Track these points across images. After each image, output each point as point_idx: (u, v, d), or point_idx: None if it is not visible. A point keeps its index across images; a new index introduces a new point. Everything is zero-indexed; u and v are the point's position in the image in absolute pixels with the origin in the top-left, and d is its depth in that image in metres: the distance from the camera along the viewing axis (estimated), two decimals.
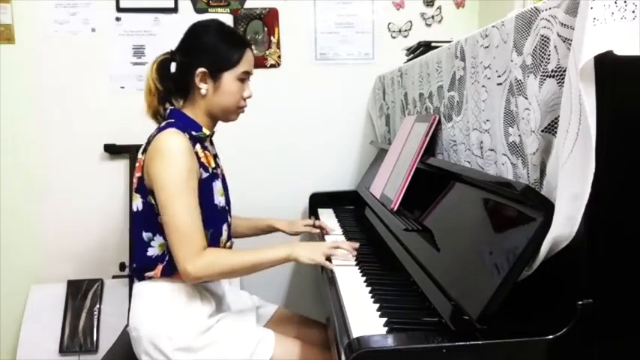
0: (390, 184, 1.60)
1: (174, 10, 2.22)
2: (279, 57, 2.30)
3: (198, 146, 1.34)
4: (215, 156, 1.48)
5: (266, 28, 2.28)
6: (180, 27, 1.44)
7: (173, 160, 1.24)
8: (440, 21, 2.35)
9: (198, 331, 1.28)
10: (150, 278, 1.32)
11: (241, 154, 2.29)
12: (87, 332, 2.11)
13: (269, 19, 2.27)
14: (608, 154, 0.77)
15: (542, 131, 0.87)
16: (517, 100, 0.96)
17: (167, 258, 1.31)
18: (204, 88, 1.34)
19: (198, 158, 1.32)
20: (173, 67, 1.39)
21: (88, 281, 2.21)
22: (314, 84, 2.32)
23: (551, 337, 0.80)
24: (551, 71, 0.84)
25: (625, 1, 0.71)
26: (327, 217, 2.00)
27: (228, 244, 1.45)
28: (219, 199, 1.37)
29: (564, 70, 0.80)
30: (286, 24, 2.29)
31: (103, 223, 2.23)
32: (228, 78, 1.35)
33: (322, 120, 2.34)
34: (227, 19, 2.23)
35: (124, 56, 2.21)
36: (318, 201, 2.21)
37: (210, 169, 1.36)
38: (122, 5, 2.20)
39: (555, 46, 0.82)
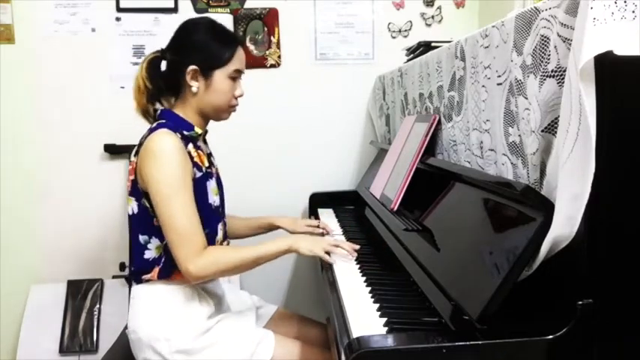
0: (390, 184, 1.60)
1: (174, 10, 2.22)
2: (279, 57, 2.30)
3: (190, 146, 1.33)
4: (209, 155, 1.47)
5: (266, 28, 2.28)
6: None
7: (166, 161, 1.23)
8: (440, 21, 2.35)
9: (197, 333, 1.27)
10: (147, 281, 1.32)
11: (241, 154, 2.29)
12: (87, 332, 2.11)
13: (269, 19, 2.27)
14: (608, 154, 0.77)
15: (542, 131, 0.87)
16: (517, 100, 0.96)
17: (164, 260, 1.31)
18: (195, 86, 1.33)
19: (191, 158, 1.31)
20: (164, 65, 1.38)
21: (88, 281, 2.21)
22: (314, 84, 2.32)
23: (551, 337, 0.79)
24: (551, 71, 0.84)
25: (625, 1, 0.71)
26: (327, 217, 2.00)
27: (225, 243, 1.45)
28: (213, 199, 1.36)
29: (564, 70, 0.80)
30: (286, 24, 2.29)
31: (103, 223, 2.23)
32: (220, 76, 1.34)
33: (322, 120, 2.34)
34: (227, 19, 2.24)
35: (124, 56, 2.21)
36: (318, 201, 2.21)
37: (203, 169, 1.35)
38: (122, 5, 2.20)
39: (555, 46, 0.82)
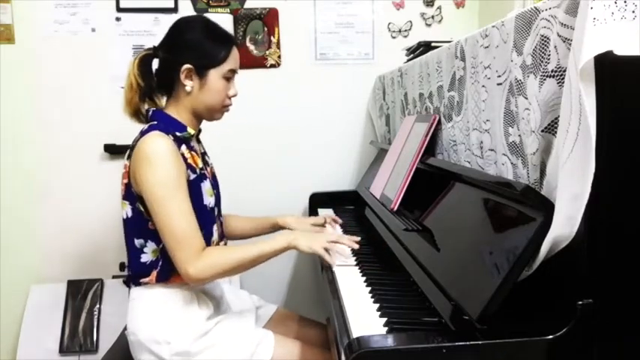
0: (390, 184, 1.60)
1: (174, 10, 2.22)
2: (279, 57, 2.30)
3: (183, 147, 1.31)
4: (203, 154, 1.46)
5: (266, 28, 2.28)
6: None
7: (160, 164, 1.22)
8: (440, 21, 2.35)
9: (196, 336, 1.27)
10: (146, 284, 1.31)
11: (241, 154, 2.29)
12: (87, 332, 2.11)
13: (269, 19, 2.27)
14: (608, 154, 0.77)
15: (542, 131, 0.87)
16: (517, 100, 0.96)
17: (161, 263, 1.30)
18: (189, 85, 1.32)
19: (185, 159, 1.29)
20: (155, 63, 1.37)
21: (88, 281, 2.21)
22: (314, 84, 2.32)
23: (551, 337, 0.79)
24: (551, 71, 0.84)
25: (625, 1, 0.71)
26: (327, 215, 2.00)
27: (222, 243, 1.44)
28: (208, 200, 1.35)
29: (564, 70, 0.80)
30: (286, 24, 2.29)
31: (103, 223, 2.23)
32: (214, 75, 1.33)
33: (322, 120, 2.34)
34: (227, 19, 2.24)
35: (124, 56, 2.20)
36: (318, 201, 2.21)
37: (197, 170, 1.33)
38: (122, 5, 2.20)
39: (555, 46, 0.82)
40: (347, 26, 2.32)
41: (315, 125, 2.34)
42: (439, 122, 1.44)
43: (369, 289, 1.18)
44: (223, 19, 2.20)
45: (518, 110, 0.96)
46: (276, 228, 1.72)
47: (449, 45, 1.35)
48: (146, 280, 1.30)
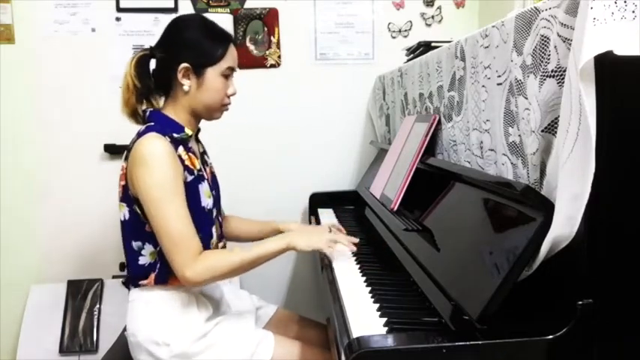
0: (390, 184, 1.60)
1: (174, 10, 2.22)
2: (279, 57, 2.30)
3: (181, 148, 1.29)
4: (202, 154, 1.45)
5: (266, 28, 2.28)
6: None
7: (156, 166, 1.20)
8: (440, 21, 2.35)
9: (195, 337, 1.27)
10: (144, 286, 1.31)
11: (241, 154, 2.29)
12: (87, 332, 2.11)
13: (269, 19, 2.27)
14: (608, 154, 0.77)
15: (542, 131, 0.87)
16: (517, 100, 0.96)
17: (159, 266, 1.29)
18: (186, 84, 1.30)
19: (182, 161, 1.28)
20: (153, 63, 1.35)
21: (88, 281, 2.21)
22: (314, 84, 2.32)
23: (551, 337, 0.79)
24: (551, 71, 0.84)
25: (625, 1, 0.71)
26: (327, 217, 2.00)
27: (220, 244, 1.43)
28: (206, 202, 1.33)
29: (564, 70, 0.80)
30: (286, 24, 2.29)
31: (103, 223, 2.23)
32: (212, 74, 1.31)
33: (322, 120, 2.34)
34: (227, 19, 2.24)
35: (124, 56, 2.19)
36: (318, 201, 2.21)
37: (195, 172, 1.32)
38: (122, 5, 2.20)
39: (555, 46, 0.82)
40: (347, 26, 2.32)
41: (315, 125, 2.34)
42: (439, 122, 1.44)
43: (369, 289, 1.18)
44: (223, 19, 2.20)
45: (518, 110, 0.96)
46: (278, 234, 1.70)
47: (449, 45, 1.35)
48: (145, 282, 1.30)
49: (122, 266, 2.21)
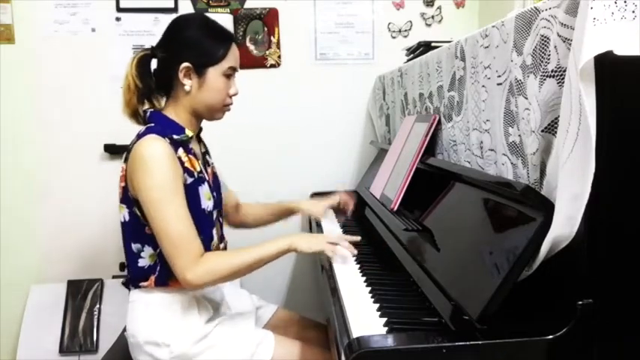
0: (390, 184, 1.60)
1: (174, 10, 2.22)
2: (279, 57, 2.30)
3: (180, 150, 1.28)
4: (204, 154, 1.44)
5: (266, 28, 2.28)
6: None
7: (156, 168, 1.19)
8: (440, 21, 2.35)
9: (195, 339, 1.26)
10: (145, 287, 1.30)
11: (241, 154, 2.29)
12: (87, 332, 2.11)
13: (269, 19, 2.27)
14: (608, 154, 0.77)
15: (542, 131, 0.87)
16: (517, 100, 0.96)
17: (159, 268, 1.29)
18: (188, 84, 1.29)
19: (182, 163, 1.26)
20: (154, 63, 1.34)
21: (88, 281, 2.21)
22: (314, 84, 2.32)
23: (551, 337, 0.80)
24: (551, 71, 0.84)
25: (625, 1, 0.71)
26: (327, 217, 2.00)
27: (221, 245, 1.43)
28: (206, 204, 1.32)
29: (564, 70, 0.80)
30: (286, 24, 2.29)
31: (103, 223, 2.23)
32: (214, 74, 1.30)
33: (322, 120, 2.34)
34: (227, 19, 2.24)
35: (124, 56, 2.19)
36: None
37: (195, 174, 1.30)
38: (122, 5, 2.20)
39: (555, 46, 0.82)
40: (347, 26, 2.32)
41: (315, 125, 2.34)
42: (439, 122, 1.44)
43: (369, 289, 1.18)
44: (223, 19, 2.20)
45: (518, 110, 0.96)
46: (292, 213, 1.72)
47: (449, 45, 1.35)
48: (145, 284, 1.29)
49: (122, 266, 2.21)
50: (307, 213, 1.74)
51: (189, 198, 1.26)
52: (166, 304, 1.29)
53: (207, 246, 1.31)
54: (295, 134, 2.33)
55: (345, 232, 1.77)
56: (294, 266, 2.40)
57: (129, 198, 1.28)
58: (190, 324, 1.29)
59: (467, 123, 1.24)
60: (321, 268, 1.40)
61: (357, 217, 1.96)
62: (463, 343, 0.82)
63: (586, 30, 0.69)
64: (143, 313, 1.30)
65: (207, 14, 2.14)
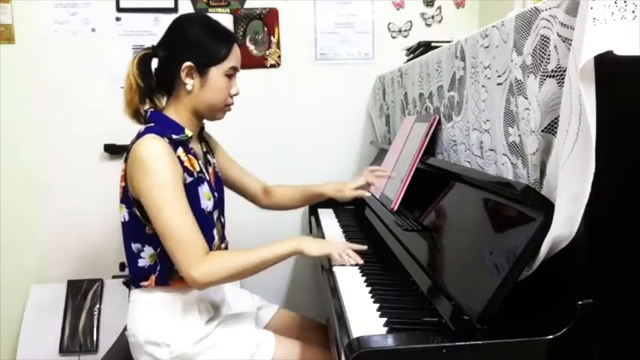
0: (390, 184, 1.60)
1: (174, 10, 2.22)
2: (279, 57, 2.30)
3: (180, 150, 1.28)
4: (206, 153, 1.44)
5: (266, 28, 2.28)
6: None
7: (155, 167, 1.19)
8: (440, 21, 2.35)
9: (196, 339, 1.26)
10: (145, 287, 1.30)
11: (241, 154, 2.26)
12: (87, 332, 2.11)
13: (269, 19, 2.27)
14: (608, 154, 0.77)
15: (542, 131, 0.87)
16: (517, 100, 0.96)
17: (159, 268, 1.29)
18: (190, 83, 1.28)
19: (181, 163, 1.26)
20: (155, 62, 1.34)
21: (88, 281, 2.21)
22: (314, 84, 2.32)
23: (551, 337, 0.79)
24: (551, 71, 0.84)
25: (625, 1, 0.71)
26: (327, 217, 2.00)
27: (222, 245, 1.43)
28: (206, 204, 1.32)
29: (564, 70, 0.80)
30: (286, 24, 2.29)
31: (103, 223, 2.23)
32: (216, 73, 1.30)
33: (322, 120, 2.34)
34: (227, 19, 2.24)
35: (124, 56, 2.20)
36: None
37: (195, 173, 1.30)
38: (122, 5, 2.20)
39: (555, 46, 0.82)
40: (347, 26, 2.32)
41: (315, 125, 2.34)
42: (439, 122, 1.44)
43: (369, 289, 1.18)
44: (223, 19, 2.20)
45: (518, 110, 0.96)
46: (319, 197, 1.69)
47: (449, 45, 1.35)
48: (145, 283, 1.29)
49: (122, 266, 2.21)
50: (333, 196, 1.69)
51: (189, 198, 1.25)
52: (167, 303, 1.29)
53: (209, 247, 1.30)
54: (295, 134, 2.33)
55: (345, 232, 1.78)
56: (294, 266, 2.40)
57: (129, 198, 1.27)
58: (191, 324, 1.28)
59: (467, 123, 1.24)
60: (321, 268, 1.40)
61: (357, 217, 1.96)
62: (463, 343, 0.82)
63: (586, 30, 0.69)
64: (144, 313, 1.30)
65: (208, 14, 2.17)
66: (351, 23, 2.32)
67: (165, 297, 1.29)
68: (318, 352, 1.40)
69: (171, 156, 1.22)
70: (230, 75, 1.33)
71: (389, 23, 2.34)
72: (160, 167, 1.19)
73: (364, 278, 1.26)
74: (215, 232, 1.36)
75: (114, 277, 2.23)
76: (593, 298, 0.80)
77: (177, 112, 1.33)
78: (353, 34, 2.32)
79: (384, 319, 1.00)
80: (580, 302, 0.80)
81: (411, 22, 2.34)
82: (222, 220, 1.45)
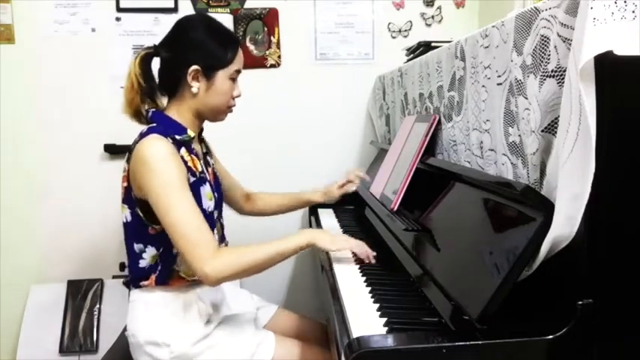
0: (390, 184, 1.60)
1: (174, 10, 2.22)
2: (279, 57, 2.30)
3: (183, 150, 1.28)
4: (206, 154, 1.44)
5: (266, 28, 2.28)
6: None
7: (161, 167, 1.19)
8: (440, 21, 2.35)
9: (195, 339, 1.26)
10: (145, 287, 1.30)
11: (241, 154, 2.29)
12: (87, 332, 2.11)
13: (269, 19, 2.27)
14: (608, 154, 0.77)
15: (542, 131, 0.87)
16: (517, 100, 0.96)
17: (160, 268, 1.29)
18: (195, 86, 1.29)
19: (185, 162, 1.26)
20: (156, 62, 1.34)
21: (88, 281, 2.21)
22: (314, 84, 2.32)
23: (551, 337, 0.79)
24: (551, 71, 0.84)
25: (625, 1, 0.71)
26: (327, 217, 2.00)
27: (222, 245, 1.43)
28: (207, 204, 1.32)
29: (564, 70, 0.80)
30: (286, 24, 2.29)
31: (103, 223, 2.23)
32: (222, 77, 1.30)
33: (322, 120, 2.34)
34: (227, 19, 2.24)
35: (124, 56, 2.20)
36: None
37: (197, 174, 1.30)
38: (122, 5, 2.20)
39: (555, 46, 0.82)
40: (347, 26, 2.32)
41: (315, 125, 2.34)
42: (439, 122, 1.44)
43: (369, 289, 1.18)
44: (223, 19, 2.20)
45: (518, 110, 0.96)
46: (307, 204, 1.78)
47: (449, 45, 1.35)
48: (145, 283, 1.29)
49: (122, 266, 2.21)
50: (322, 201, 1.78)
51: None
52: (167, 303, 1.29)
53: None
54: (295, 134, 2.33)
55: (345, 232, 1.78)
56: (294, 266, 2.40)
57: (131, 198, 1.27)
58: (191, 324, 1.29)
59: (467, 123, 1.24)
60: (321, 268, 1.40)
61: (357, 217, 1.96)
62: (463, 343, 0.82)
63: (586, 30, 0.69)
64: (143, 313, 1.30)
65: (208, 14, 2.17)
66: (351, 23, 2.32)
67: (165, 296, 1.30)
68: (318, 352, 1.40)
69: (175, 155, 1.22)
70: (234, 78, 1.34)
71: (389, 23, 2.34)
72: (165, 166, 1.19)
73: (364, 278, 1.26)
74: (215, 232, 1.36)
75: (114, 277, 2.23)
76: (593, 298, 0.80)
77: (179, 113, 1.33)
78: (353, 34, 2.32)
79: (384, 319, 1.00)
80: (580, 302, 0.80)
81: (411, 22, 2.34)
82: (221, 220, 1.45)
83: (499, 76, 1.04)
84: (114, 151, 2.21)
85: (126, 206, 1.30)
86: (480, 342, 0.82)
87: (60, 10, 2.18)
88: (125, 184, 1.29)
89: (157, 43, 1.35)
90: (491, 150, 1.11)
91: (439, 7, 2.34)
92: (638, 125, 0.81)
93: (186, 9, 2.22)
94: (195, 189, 1.28)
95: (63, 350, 2.08)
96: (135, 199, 1.27)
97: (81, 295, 2.19)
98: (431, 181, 1.35)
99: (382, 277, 1.26)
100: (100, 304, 2.17)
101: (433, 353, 0.81)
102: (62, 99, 2.20)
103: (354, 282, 1.24)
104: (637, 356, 0.84)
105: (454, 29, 2.28)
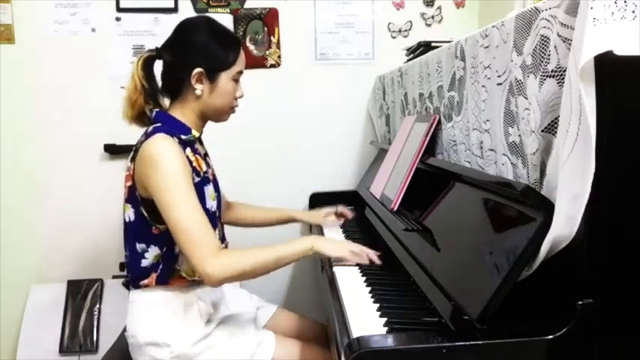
0: (390, 184, 1.60)
1: (174, 10, 2.22)
2: (279, 57, 2.30)
3: (188, 150, 1.29)
4: (205, 155, 1.45)
5: (266, 28, 2.28)
6: None
7: (167, 166, 1.19)
8: (440, 21, 2.35)
9: (195, 339, 1.26)
10: (145, 286, 1.30)
11: (241, 154, 2.29)
12: (87, 332, 2.11)
13: (269, 19, 2.27)
14: (608, 154, 0.77)
15: (542, 131, 0.87)
16: (517, 100, 0.96)
17: (161, 267, 1.29)
18: (199, 88, 1.30)
19: (190, 162, 1.27)
20: (159, 64, 1.34)
21: (88, 281, 2.21)
22: (314, 84, 2.32)
23: (551, 337, 0.80)
24: (551, 71, 0.84)
25: (625, 1, 0.71)
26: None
27: (222, 246, 1.43)
28: (211, 204, 1.32)
29: (564, 70, 0.80)
30: (286, 24, 2.29)
31: (103, 223, 2.23)
32: (225, 78, 1.32)
33: (322, 120, 2.34)
34: (227, 19, 2.24)
35: (124, 56, 2.21)
36: (318, 201, 2.21)
37: (201, 174, 1.31)
38: (122, 5, 2.20)
39: (555, 46, 0.82)
40: (347, 26, 2.32)
41: (315, 125, 2.34)
42: (439, 122, 1.44)
43: (369, 289, 1.18)
44: (223, 19, 2.20)
45: (518, 110, 0.96)
46: (289, 221, 1.79)
47: (449, 45, 1.35)
48: (145, 282, 1.29)
49: (122, 266, 2.21)
50: (306, 221, 1.81)
51: None
52: (167, 303, 1.29)
53: None
54: (295, 134, 2.33)
55: (345, 232, 1.78)
56: (294, 266, 2.40)
57: (136, 197, 1.27)
58: (190, 324, 1.28)
59: (467, 123, 1.24)
60: (321, 268, 1.40)
61: (357, 217, 1.96)
62: (463, 343, 0.82)
63: (586, 30, 0.69)
64: (143, 313, 1.30)
65: (209, 14, 2.17)
66: (351, 23, 2.32)
67: (165, 295, 1.30)
68: (318, 352, 1.40)
69: (181, 155, 1.23)
70: (237, 79, 1.35)
71: (389, 23, 2.33)
72: (172, 166, 1.20)
73: (364, 278, 1.26)
74: (216, 232, 1.36)
75: (114, 277, 2.23)
76: (593, 298, 0.80)
77: (183, 114, 1.34)
78: (353, 34, 2.32)
79: (384, 319, 1.00)
80: (580, 302, 0.80)
81: (411, 22, 2.34)
82: (222, 220, 1.46)
83: (499, 76, 1.04)
84: (114, 151, 2.21)
85: (129, 205, 1.30)
86: (479, 342, 0.82)
87: (60, 10, 2.18)
88: (129, 184, 1.29)
89: (158, 45, 1.36)
90: (491, 150, 1.11)
91: (439, 7, 2.34)
92: (638, 125, 0.81)
93: (186, 9, 2.22)
94: (199, 189, 1.28)
95: (63, 350, 2.07)
96: (139, 199, 1.27)
97: (81, 295, 2.19)
98: (431, 181, 1.35)
99: (382, 277, 1.26)
100: (100, 304, 2.17)
101: (433, 353, 0.82)
102: (62, 99, 2.20)
103: (354, 282, 1.24)
104: (637, 356, 0.84)
105: (454, 29, 2.28)
